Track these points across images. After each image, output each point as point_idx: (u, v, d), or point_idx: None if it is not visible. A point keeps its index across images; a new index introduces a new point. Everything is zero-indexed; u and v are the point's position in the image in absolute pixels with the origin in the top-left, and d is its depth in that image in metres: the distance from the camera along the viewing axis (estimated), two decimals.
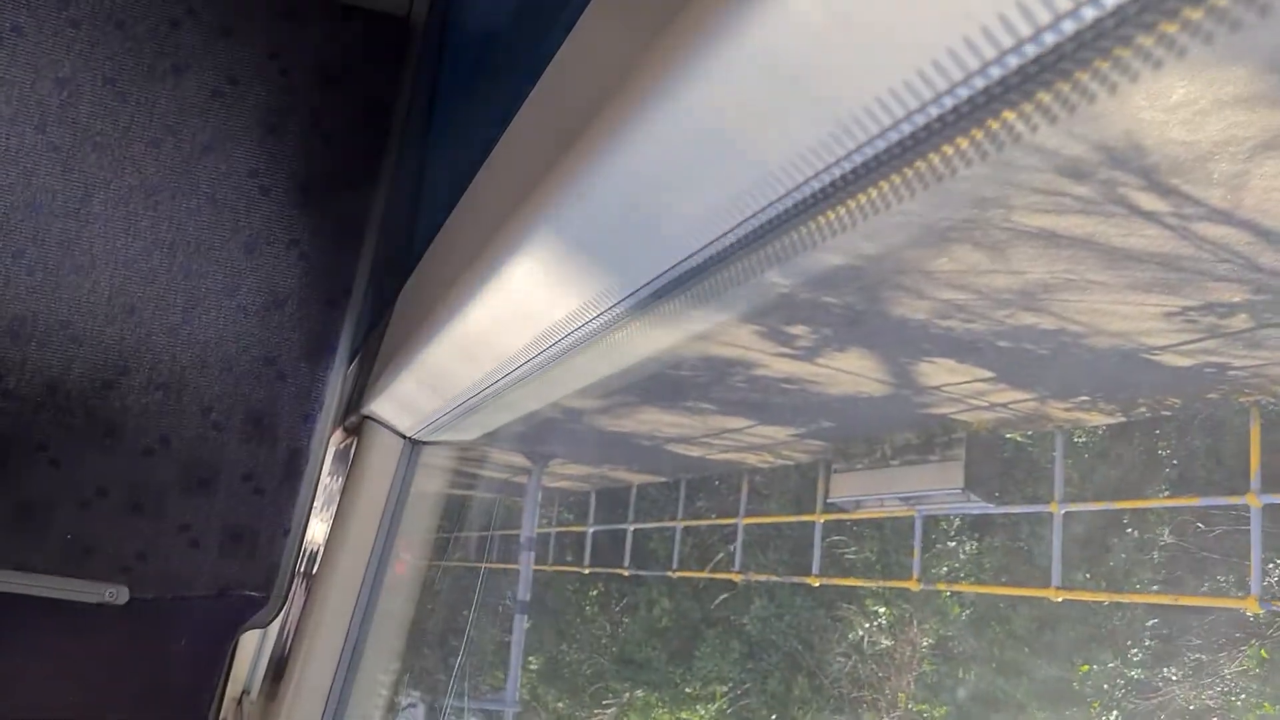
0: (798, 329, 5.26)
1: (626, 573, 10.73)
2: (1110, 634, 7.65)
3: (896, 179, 0.48)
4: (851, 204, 0.52)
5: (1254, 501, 5.41)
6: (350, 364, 1.56)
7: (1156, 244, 3.79)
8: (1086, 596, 7.44)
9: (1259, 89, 2.91)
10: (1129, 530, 7.60)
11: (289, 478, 1.45)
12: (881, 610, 8.89)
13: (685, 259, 0.63)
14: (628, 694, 10.61)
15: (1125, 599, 7.35)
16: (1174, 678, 7.40)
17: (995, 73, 0.39)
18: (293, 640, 1.54)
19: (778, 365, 5.88)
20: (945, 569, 8.51)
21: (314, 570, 1.57)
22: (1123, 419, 6.60)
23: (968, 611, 8.57)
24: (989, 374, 5.66)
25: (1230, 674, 7.14)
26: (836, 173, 0.49)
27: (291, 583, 1.49)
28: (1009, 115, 0.42)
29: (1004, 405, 6.29)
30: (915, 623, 8.72)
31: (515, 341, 0.88)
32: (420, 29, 1.50)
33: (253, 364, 1.44)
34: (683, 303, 0.70)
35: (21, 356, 1.36)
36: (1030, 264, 4.12)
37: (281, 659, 1.61)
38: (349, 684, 1.49)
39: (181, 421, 1.42)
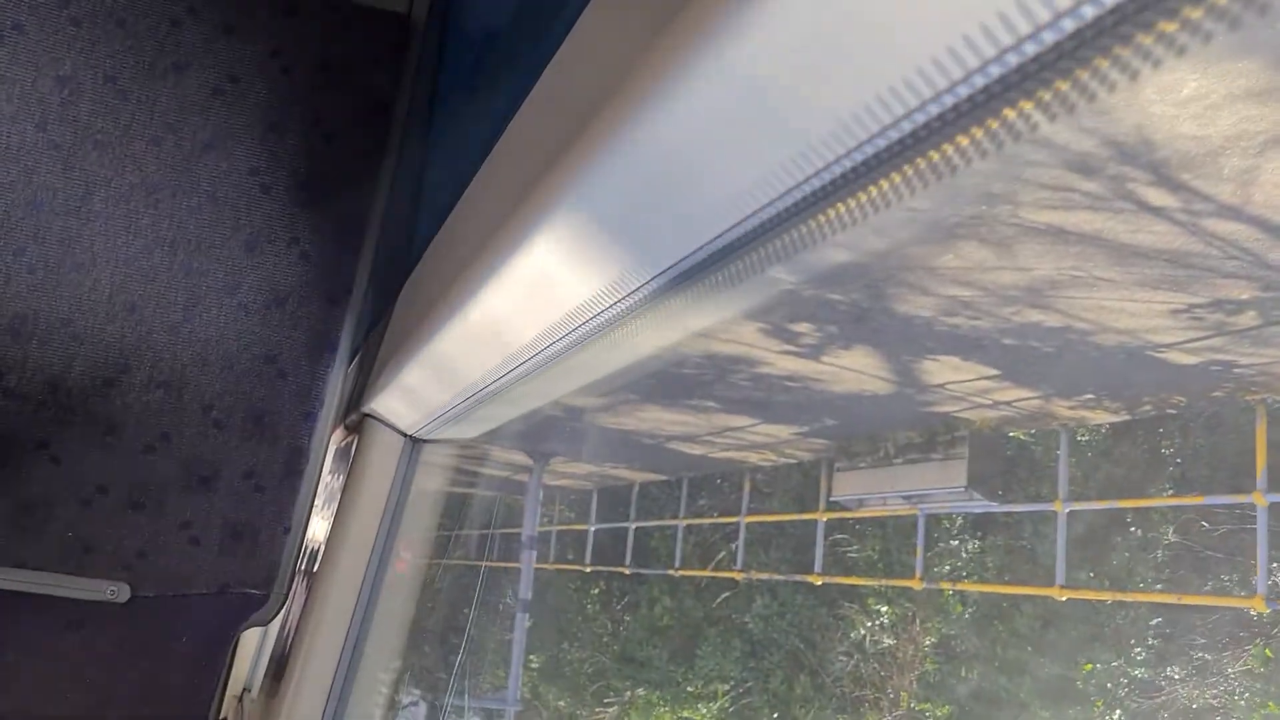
0: (802, 326, 5.24)
1: (628, 571, 10.73)
2: (1114, 633, 7.63)
3: (901, 175, 0.48)
4: (856, 200, 0.52)
5: (1260, 500, 5.39)
6: (351, 362, 1.56)
7: (1165, 240, 3.77)
8: (1090, 595, 7.43)
9: (1272, 82, 2.88)
10: (1132, 529, 7.59)
11: (290, 476, 1.45)
12: (884, 609, 8.88)
13: (689, 254, 0.63)
14: (629, 692, 10.61)
15: (1129, 598, 7.33)
16: (1177, 677, 7.39)
17: (1007, 63, 0.39)
18: (293, 638, 1.54)
19: (781, 363, 5.86)
20: (948, 567, 8.50)
21: (315, 568, 1.57)
22: (1127, 417, 6.58)
23: (970, 610, 8.56)
24: (994, 372, 5.64)
25: (1234, 673, 7.12)
26: (840, 168, 0.49)
27: (292, 581, 1.49)
28: (1013, 111, 0.42)
29: (1008, 403, 6.28)
30: (918, 621, 8.71)
31: (518, 338, 0.88)
32: (421, 27, 1.50)
33: (253, 362, 1.44)
34: (683, 301, 0.70)
35: (22, 354, 1.37)
36: (1037, 260, 4.10)
37: (282, 657, 1.61)
38: (350, 682, 1.49)
39: (182, 419, 1.42)
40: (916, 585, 7.98)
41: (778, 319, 5.09)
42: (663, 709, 10.29)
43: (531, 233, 0.67)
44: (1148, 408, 6.27)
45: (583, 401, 7.12)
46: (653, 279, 0.67)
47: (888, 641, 8.85)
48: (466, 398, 1.18)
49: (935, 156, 0.46)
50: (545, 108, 0.75)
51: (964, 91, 0.41)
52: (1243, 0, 0.34)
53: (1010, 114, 0.42)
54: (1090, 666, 7.72)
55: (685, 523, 10.21)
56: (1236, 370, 5.14)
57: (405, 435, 1.53)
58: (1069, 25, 0.36)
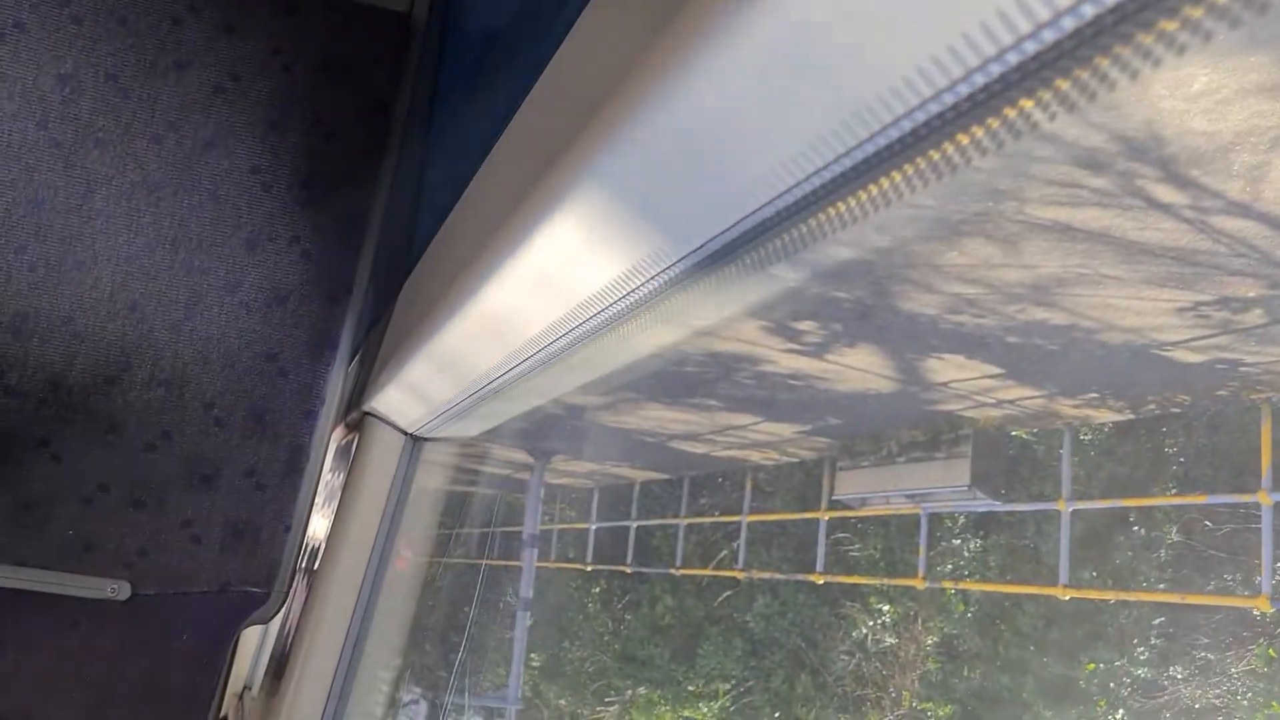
0: (805, 324, 5.22)
1: (629, 570, 10.73)
2: (1116, 632, 7.62)
3: (904, 171, 0.48)
4: (859, 196, 0.52)
5: (1265, 499, 5.38)
6: (351, 361, 1.56)
7: (1172, 237, 3.74)
8: (1094, 595, 7.42)
9: None
10: (1135, 528, 7.57)
11: (290, 474, 1.45)
12: (886, 608, 8.88)
13: (692, 251, 0.63)
14: (630, 691, 10.61)
15: (1133, 597, 7.32)
16: (1180, 676, 7.37)
17: (1012, 59, 0.39)
18: (294, 636, 1.54)
19: (785, 361, 5.85)
20: (950, 566, 8.49)
21: (315, 566, 1.57)
22: (1131, 416, 6.57)
23: (972, 609, 8.55)
24: (998, 370, 5.63)
25: (1237, 673, 7.11)
26: (843, 165, 0.49)
27: (293, 579, 1.49)
28: (1017, 107, 0.42)
29: (1012, 402, 6.26)
30: (920, 620, 8.70)
31: (518, 335, 0.88)
32: (422, 26, 1.51)
33: (254, 360, 1.44)
34: (686, 297, 0.70)
35: (23, 352, 1.37)
36: (1044, 258, 4.08)
37: (283, 655, 1.62)
38: (350, 680, 1.49)
39: (183, 417, 1.42)
40: (919, 584, 7.97)
41: (781, 316, 5.08)
42: (664, 708, 10.29)
43: (533, 230, 0.67)
44: (1152, 406, 6.25)
45: (584, 399, 7.11)
46: (654, 276, 0.67)
47: (889, 640, 8.85)
48: (467, 396, 1.18)
49: (938, 153, 0.46)
50: (546, 106, 0.75)
51: (963, 91, 0.41)
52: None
53: (1014, 111, 0.42)
54: (1093, 666, 7.71)
55: (687, 521, 10.20)
56: (1242, 369, 5.12)
57: (406, 433, 1.54)
58: (1072, 22, 0.36)
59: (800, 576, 8.99)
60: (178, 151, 1.41)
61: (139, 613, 1.39)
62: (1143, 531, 7.56)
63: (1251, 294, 4.15)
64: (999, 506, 7.24)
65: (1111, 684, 7.66)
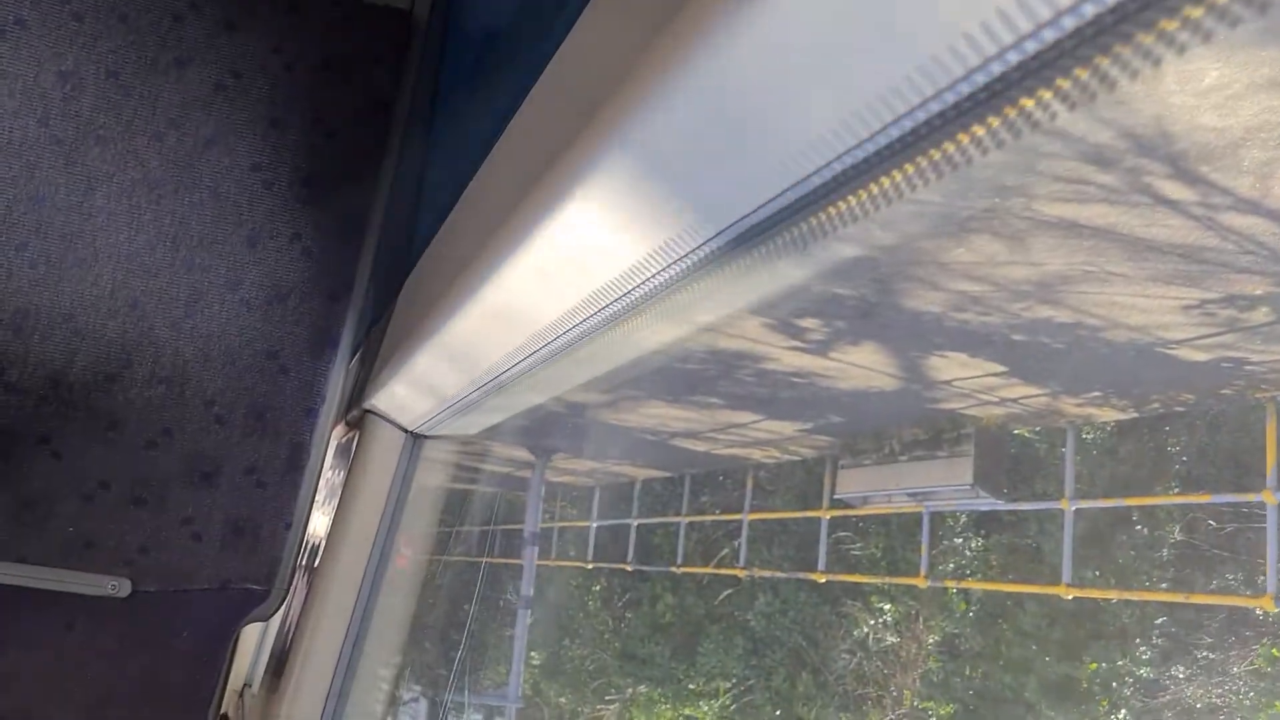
0: (808, 321, 5.21)
1: (630, 568, 10.72)
2: (1118, 632, 7.61)
3: (909, 168, 0.48)
4: (864, 193, 0.52)
5: (1270, 498, 5.36)
6: (352, 359, 1.56)
7: (1180, 234, 3.72)
8: (1097, 594, 7.40)
9: None
10: (1138, 527, 7.56)
11: (291, 471, 1.46)
12: (887, 607, 8.87)
13: (695, 248, 0.63)
14: (631, 690, 10.60)
15: (1137, 597, 7.30)
16: (1182, 676, 7.36)
17: (1023, 51, 0.39)
18: (294, 634, 1.54)
19: (787, 358, 5.83)
20: (952, 565, 8.48)
21: (315, 564, 1.58)
22: (1135, 415, 6.55)
23: (974, 608, 8.54)
24: (1001, 368, 5.61)
25: (1240, 673, 7.10)
26: (847, 162, 0.49)
27: (293, 576, 1.49)
28: (1024, 104, 0.42)
29: (1015, 400, 6.24)
30: (921, 619, 8.69)
31: (519, 334, 0.89)
32: (423, 24, 1.51)
33: (255, 358, 1.45)
34: (687, 295, 0.70)
35: (24, 349, 1.37)
36: (1050, 255, 4.06)
37: (283, 653, 1.62)
38: (350, 678, 1.50)
39: (184, 415, 1.43)
40: (921, 583, 7.96)
41: (784, 313, 5.06)
42: (664, 706, 10.29)
43: (534, 228, 0.68)
44: (1156, 405, 6.23)
45: (585, 397, 7.10)
46: (656, 274, 0.67)
47: (891, 639, 8.84)
48: (468, 394, 1.18)
49: (944, 150, 0.46)
50: (547, 105, 0.75)
51: (965, 89, 0.41)
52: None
53: (1018, 109, 0.42)
54: (1095, 665, 7.70)
55: (688, 519, 10.19)
56: (1248, 367, 5.10)
57: (406, 431, 1.54)
58: (1084, 15, 0.36)
59: (801, 575, 8.99)
60: (179, 149, 1.41)
61: (139, 610, 1.39)
62: (1146, 531, 7.54)
63: (1258, 291, 4.13)
64: (1002, 505, 7.23)
65: (1114, 683, 7.65)
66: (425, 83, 1.52)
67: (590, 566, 11.28)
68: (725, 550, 10.07)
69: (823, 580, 8.65)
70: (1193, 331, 4.66)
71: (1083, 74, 0.39)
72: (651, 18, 0.50)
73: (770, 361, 5.98)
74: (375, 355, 1.48)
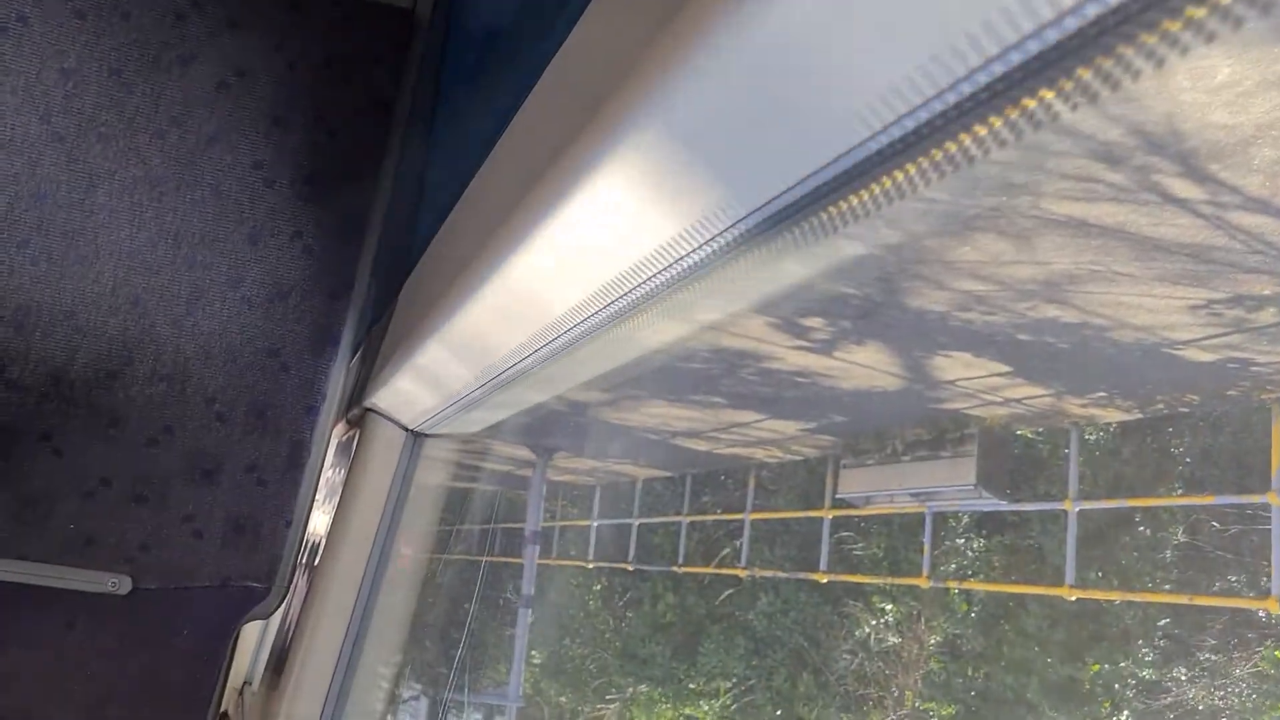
0: (812, 320, 5.19)
1: (631, 567, 10.72)
2: (1121, 633, 7.59)
3: (916, 165, 0.48)
4: (870, 190, 0.51)
5: (1275, 500, 5.34)
6: (353, 357, 1.57)
7: (1188, 234, 3.70)
8: (1100, 595, 7.38)
9: None
10: (1141, 529, 7.54)
11: (292, 469, 1.46)
12: (889, 607, 8.85)
13: (694, 249, 0.63)
14: (631, 689, 10.59)
15: (1140, 598, 7.29)
16: (1184, 678, 7.35)
17: (1031, 48, 0.38)
18: (294, 632, 1.54)
19: (790, 357, 5.81)
20: (954, 566, 8.46)
21: (316, 562, 1.58)
22: (1139, 415, 6.53)
23: (976, 609, 8.52)
24: (1006, 368, 5.60)
25: (1243, 675, 7.08)
26: (852, 160, 0.48)
27: (293, 574, 1.50)
28: (1032, 100, 0.41)
29: (1019, 401, 6.23)
30: (922, 620, 8.68)
31: (519, 334, 0.89)
32: (425, 23, 1.52)
33: (256, 355, 1.45)
34: (688, 295, 0.70)
35: (25, 346, 1.38)
36: (1057, 254, 4.03)
37: (283, 650, 1.62)
38: (350, 676, 1.50)
39: (185, 412, 1.43)
40: (923, 584, 7.94)
41: (787, 312, 5.04)
42: (665, 706, 10.27)
43: (535, 229, 0.68)
44: (1160, 406, 6.21)
45: (587, 396, 7.09)
46: (659, 273, 0.67)
47: (892, 640, 8.82)
48: (469, 392, 1.18)
49: (951, 147, 0.45)
50: (550, 104, 0.75)
51: (964, 91, 0.40)
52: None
53: (1028, 105, 0.41)
54: (1097, 667, 7.68)
55: (689, 519, 10.18)
56: (1254, 369, 5.08)
57: (407, 430, 1.54)
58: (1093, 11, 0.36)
59: (803, 575, 8.97)
60: (180, 146, 1.41)
61: (140, 607, 1.40)
62: (1149, 532, 7.53)
63: (1266, 292, 4.11)
64: (1005, 506, 7.21)
65: (1116, 685, 7.64)
66: (427, 81, 1.52)
67: (591, 566, 11.28)
68: (727, 550, 10.06)
69: (824, 580, 8.63)
70: (1199, 332, 4.64)
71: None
72: (655, 15, 0.49)
73: (773, 360, 5.97)
74: (376, 353, 1.49)
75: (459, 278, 0.90)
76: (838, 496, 8.06)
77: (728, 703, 9.84)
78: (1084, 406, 6.33)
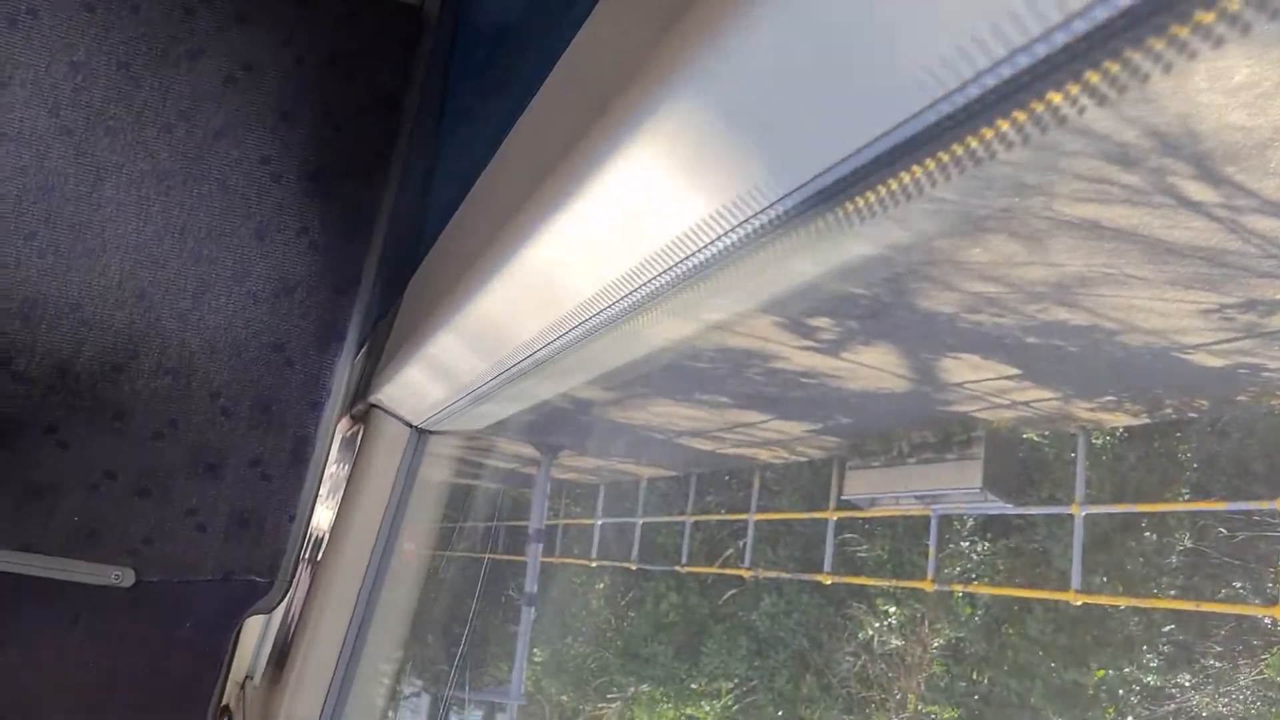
0: (819, 320, 5.17)
1: (634, 567, 10.71)
2: (1125, 639, 7.56)
3: (923, 166, 0.48)
4: (879, 190, 0.51)
5: None
6: (358, 353, 1.58)
7: (1202, 237, 3.67)
8: (1106, 600, 7.35)
9: None
10: (1147, 534, 7.50)
11: (296, 464, 1.47)
12: (892, 610, 8.83)
13: (694, 252, 0.63)
14: (633, 688, 10.58)
15: (1146, 604, 7.25)
16: (1189, 684, 7.31)
17: (1058, 39, 0.38)
18: (296, 626, 1.55)
19: (796, 358, 5.80)
20: (959, 569, 8.43)
21: (319, 557, 1.58)
22: (1147, 420, 6.50)
23: (980, 613, 8.50)
24: (1014, 371, 5.57)
25: (1248, 682, 7.05)
26: (857, 162, 0.48)
27: (296, 569, 1.50)
28: (1045, 100, 0.41)
29: (1026, 404, 6.20)
30: (926, 623, 8.65)
31: (526, 331, 0.89)
32: (433, 20, 1.52)
33: (262, 350, 1.46)
34: (690, 296, 0.70)
35: (31, 339, 1.38)
36: (1069, 256, 4.01)
37: (285, 645, 1.62)
38: (352, 671, 1.50)
39: (190, 406, 1.44)
40: (928, 587, 7.91)
41: (795, 312, 5.02)
42: (666, 706, 10.26)
43: (542, 226, 0.68)
44: (1169, 410, 6.18)
45: (591, 395, 7.08)
46: (660, 273, 0.67)
47: (896, 642, 8.80)
48: (474, 389, 1.18)
49: (969, 142, 0.45)
50: (559, 101, 0.75)
51: (970, 93, 0.40)
52: (1255, 5, 0.33)
53: (1042, 104, 0.41)
54: (1102, 672, 7.65)
55: (693, 519, 10.17)
56: (1264, 374, 5.04)
57: (411, 426, 1.54)
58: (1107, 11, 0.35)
59: (807, 576, 8.95)
60: (188, 141, 1.42)
61: (142, 600, 1.40)
62: (1155, 537, 7.49)
63: (1279, 296, 4.08)
64: (1011, 510, 7.18)
65: (1120, 691, 7.61)
66: (435, 78, 1.52)
67: (594, 564, 11.27)
68: (730, 550, 10.05)
69: (828, 582, 8.62)
70: (1210, 336, 4.61)
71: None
72: (665, 13, 0.49)
73: (779, 360, 5.95)
74: (381, 350, 1.49)
75: (467, 273, 0.89)
76: (843, 498, 8.04)
77: (729, 703, 9.83)
78: (1092, 410, 6.30)
